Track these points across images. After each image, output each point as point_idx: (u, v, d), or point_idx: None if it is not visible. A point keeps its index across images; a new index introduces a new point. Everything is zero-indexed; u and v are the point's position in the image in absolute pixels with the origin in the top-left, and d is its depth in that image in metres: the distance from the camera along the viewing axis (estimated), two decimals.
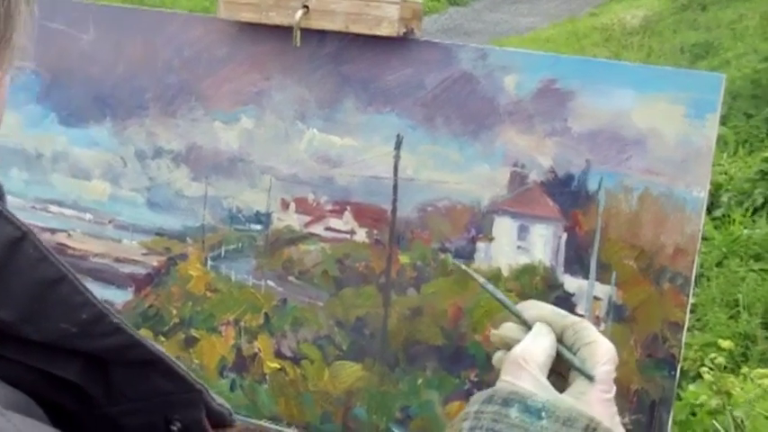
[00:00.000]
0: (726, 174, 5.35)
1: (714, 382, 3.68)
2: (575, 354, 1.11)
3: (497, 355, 1.11)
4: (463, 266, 1.23)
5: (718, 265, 4.74)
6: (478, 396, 1.06)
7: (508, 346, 1.11)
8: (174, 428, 0.85)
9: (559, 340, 1.12)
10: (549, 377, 1.10)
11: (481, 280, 1.11)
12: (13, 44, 0.82)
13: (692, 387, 3.81)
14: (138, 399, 0.83)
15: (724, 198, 5.18)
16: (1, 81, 0.83)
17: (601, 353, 1.09)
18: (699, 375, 3.83)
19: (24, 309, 0.73)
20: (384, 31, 1.38)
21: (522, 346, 1.10)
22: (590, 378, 1.08)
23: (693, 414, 3.74)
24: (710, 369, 3.77)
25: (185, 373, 0.84)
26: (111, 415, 0.83)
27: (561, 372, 1.12)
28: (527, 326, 1.11)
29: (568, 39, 8.89)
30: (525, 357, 1.08)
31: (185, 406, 0.86)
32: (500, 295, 1.09)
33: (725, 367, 3.83)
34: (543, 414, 1.01)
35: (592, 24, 9.33)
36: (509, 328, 1.15)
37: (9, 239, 0.72)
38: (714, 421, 3.60)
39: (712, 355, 3.80)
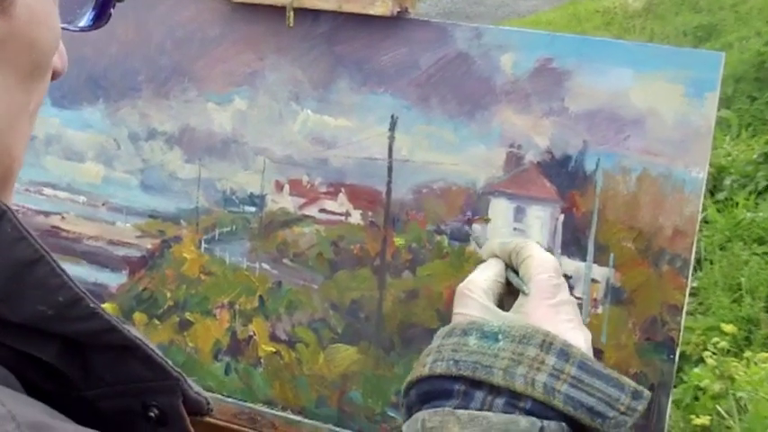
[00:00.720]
0: (729, 156, 5.32)
1: (717, 366, 3.68)
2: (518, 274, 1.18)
3: None
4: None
5: (721, 248, 4.73)
6: (440, 332, 1.13)
7: None
8: (152, 414, 0.84)
9: (509, 266, 1.21)
10: (511, 304, 1.17)
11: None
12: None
13: (695, 371, 3.81)
14: (115, 383, 0.82)
15: (727, 181, 5.15)
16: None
17: (534, 264, 1.16)
18: (702, 359, 3.82)
19: (1, 288, 0.72)
20: (378, 10, 1.36)
21: (467, 278, 1.19)
22: (524, 291, 1.15)
23: (696, 398, 3.73)
24: (713, 353, 3.77)
25: (163, 360, 0.83)
26: (89, 398, 0.82)
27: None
28: None
29: (570, 22, 8.85)
30: (469, 287, 1.16)
31: (163, 393, 0.84)
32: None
33: (728, 351, 3.83)
34: (500, 336, 1.06)
35: (593, 8, 9.29)
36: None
37: None
38: (717, 405, 3.60)
39: (715, 339, 3.80)
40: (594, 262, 1.29)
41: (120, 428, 0.81)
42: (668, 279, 1.26)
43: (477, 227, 1.34)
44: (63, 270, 0.74)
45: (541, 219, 1.31)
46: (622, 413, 1.02)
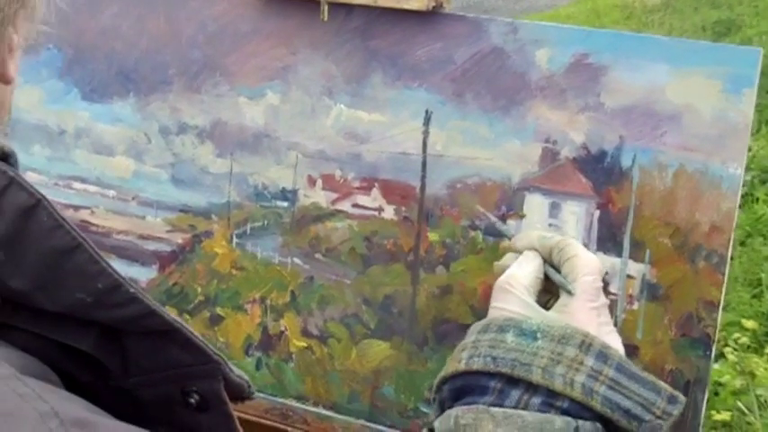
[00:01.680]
0: (750, 152, 5.30)
1: (738, 362, 3.67)
2: (559, 272, 1.17)
3: None
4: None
5: (742, 244, 4.71)
6: (475, 327, 1.12)
7: None
8: (192, 400, 0.84)
9: (548, 262, 1.19)
10: (546, 300, 1.18)
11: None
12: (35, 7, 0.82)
13: (715, 366, 3.80)
14: (154, 370, 0.82)
15: (747, 177, 5.13)
16: (15, 45, 0.82)
17: (581, 265, 1.15)
18: (723, 355, 3.81)
19: (38, 278, 0.72)
20: (413, 5, 1.35)
21: (507, 272, 1.17)
22: (569, 291, 1.14)
23: (716, 394, 3.72)
24: (734, 349, 3.75)
25: (203, 343, 0.83)
26: (127, 387, 0.82)
27: (556, 293, 1.17)
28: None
29: (589, 16, 8.82)
30: (510, 282, 1.15)
31: (203, 377, 0.84)
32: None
33: (748, 347, 3.81)
34: (538, 335, 1.06)
35: (612, 2, 9.25)
36: (508, 258, 1.24)
37: (23, 207, 0.71)
38: (738, 401, 3.59)
39: (736, 335, 3.79)
40: (630, 258, 1.29)
41: (159, 417, 0.80)
42: (704, 275, 1.26)
43: (511, 222, 1.34)
44: (101, 256, 0.74)
45: (577, 214, 1.31)
46: (658, 417, 1.02)
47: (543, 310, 1.13)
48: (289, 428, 1.48)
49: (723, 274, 1.25)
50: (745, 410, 3.53)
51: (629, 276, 1.29)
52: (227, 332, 1.51)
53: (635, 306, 1.28)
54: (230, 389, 0.87)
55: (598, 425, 1.01)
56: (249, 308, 1.49)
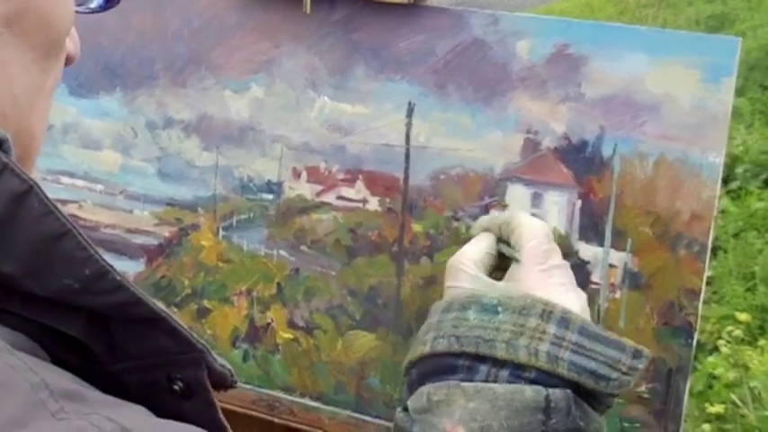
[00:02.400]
0: (742, 146, 5.31)
1: (731, 355, 3.69)
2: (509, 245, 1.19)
3: None
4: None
5: (735, 237, 4.72)
6: (437, 306, 1.14)
7: None
8: (176, 387, 0.84)
9: (501, 239, 1.22)
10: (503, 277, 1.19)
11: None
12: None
13: (709, 359, 3.81)
14: (140, 357, 0.82)
15: (740, 170, 5.14)
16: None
17: (525, 233, 1.17)
18: (716, 348, 3.82)
19: (27, 263, 0.72)
20: None
21: (458, 252, 1.20)
22: (515, 259, 1.16)
23: (710, 386, 3.73)
24: (728, 341, 3.77)
25: (188, 332, 0.84)
26: (114, 372, 0.83)
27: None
28: None
29: (582, 11, 8.83)
30: (460, 259, 1.18)
31: (187, 365, 0.85)
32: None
33: (742, 340, 3.82)
34: (499, 309, 1.07)
35: None
36: None
37: (15, 193, 0.71)
38: (731, 393, 3.60)
39: (729, 327, 3.81)
40: (612, 247, 1.30)
41: (144, 402, 0.81)
42: (686, 264, 1.27)
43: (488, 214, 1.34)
44: (89, 243, 0.74)
45: (559, 204, 1.32)
46: (624, 373, 1.04)
47: (493, 281, 1.15)
48: (275, 419, 1.48)
49: (704, 263, 1.26)
50: (739, 403, 3.55)
51: (610, 265, 1.30)
52: (214, 324, 1.52)
53: (617, 295, 1.29)
54: (214, 378, 0.88)
55: (568, 391, 1.03)
56: (236, 300, 1.50)
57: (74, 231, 0.74)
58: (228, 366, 0.90)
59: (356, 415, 1.44)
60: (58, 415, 0.64)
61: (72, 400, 0.66)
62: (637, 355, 1.05)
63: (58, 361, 0.77)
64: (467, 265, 1.17)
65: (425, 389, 1.06)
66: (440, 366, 1.08)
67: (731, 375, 3.66)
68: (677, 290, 1.27)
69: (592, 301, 1.30)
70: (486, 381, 1.04)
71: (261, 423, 1.50)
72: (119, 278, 0.76)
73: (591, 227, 1.30)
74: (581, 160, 1.30)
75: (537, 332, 1.05)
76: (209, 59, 1.50)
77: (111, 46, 1.56)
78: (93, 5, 0.93)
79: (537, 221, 1.20)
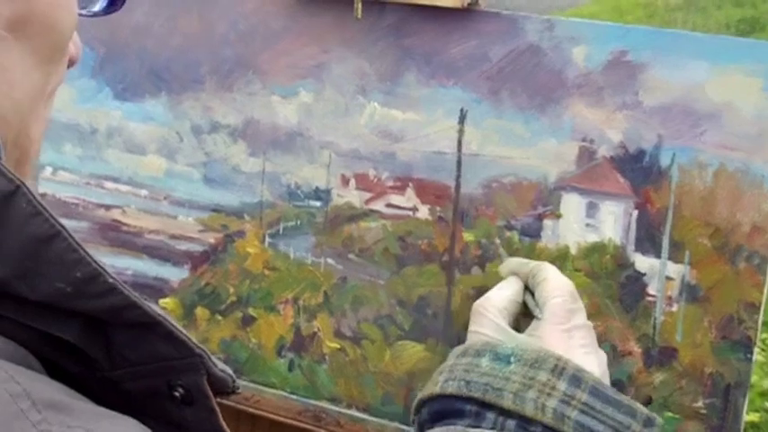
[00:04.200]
0: None
1: (766, 363, 3.65)
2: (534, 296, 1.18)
3: None
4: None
5: None
6: (455, 350, 1.14)
7: None
8: (177, 394, 0.83)
9: (528, 287, 1.21)
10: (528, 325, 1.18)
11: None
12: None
13: None
14: (139, 362, 0.80)
15: None
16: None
17: (549, 288, 1.16)
18: None
19: (17, 266, 0.70)
20: (447, 2, 1.34)
21: (484, 296, 1.20)
22: (536, 315, 1.16)
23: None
24: (762, 349, 3.73)
25: (185, 336, 0.81)
26: (114, 379, 0.81)
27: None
28: None
29: (611, 15, 8.79)
30: (485, 305, 1.18)
31: (186, 371, 0.83)
32: None
33: None
34: (512, 359, 1.07)
35: (635, 0, 9.23)
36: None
37: (2, 193, 0.69)
38: (767, 402, 3.57)
39: (764, 335, 3.77)
40: (669, 259, 1.27)
41: (145, 409, 0.79)
42: (746, 277, 1.24)
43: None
44: (80, 245, 0.72)
45: (615, 214, 1.29)
46: None
47: (515, 333, 1.15)
48: (322, 431, 1.47)
49: (765, 276, 1.23)
50: None
51: (667, 278, 1.27)
52: (259, 333, 1.50)
53: (674, 308, 1.27)
54: (215, 383, 0.86)
55: None
56: (282, 308, 1.48)
57: (64, 233, 0.72)
58: (229, 372, 0.88)
59: (404, 427, 1.42)
60: (39, 426, 0.62)
61: (57, 411, 0.64)
62: (648, 422, 1.05)
63: (57, 368, 0.76)
64: (491, 312, 1.17)
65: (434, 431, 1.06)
66: (449, 409, 1.08)
67: (766, 384, 3.63)
68: (736, 303, 1.24)
69: (647, 314, 1.28)
70: (492, 428, 1.04)
71: None
72: (111, 280, 0.74)
73: (648, 238, 1.28)
74: (638, 170, 1.28)
75: (547, 387, 1.04)
76: (256, 64, 1.48)
77: (157, 49, 1.55)
78: (96, 9, 0.91)
79: (564, 279, 1.19)
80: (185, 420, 0.83)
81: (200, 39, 1.52)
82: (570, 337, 1.12)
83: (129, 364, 0.81)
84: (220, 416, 0.87)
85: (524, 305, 1.21)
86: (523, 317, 1.20)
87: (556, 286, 1.16)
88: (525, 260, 1.26)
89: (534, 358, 1.05)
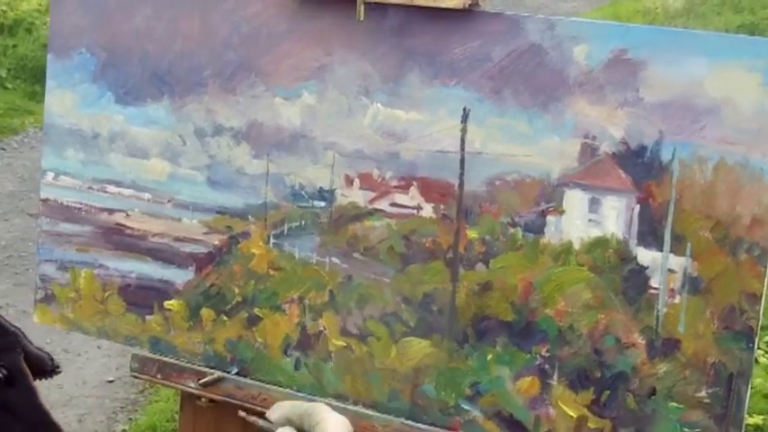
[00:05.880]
0: None
1: None
2: None
3: None
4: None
5: None
6: None
7: None
8: (0, 375, 0.83)
9: (301, 430, 1.12)
10: None
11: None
12: None
13: None
14: None
15: None
16: None
17: (328, 428, 1.10)
18: (754, 358, 3.78)
19: None
20: (449, 3, 1.35)
21: None
22: None
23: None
24: (765, 352, 3.73)
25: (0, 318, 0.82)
26: None
27: None
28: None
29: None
30: None
31: (4, 350, 0.83)
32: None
33: None
34: None
35: (634, 8, 9.25)
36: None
37: None
38: None
39: (767, 338, 3.77)
40: (671, 252, 1.29)
41: None
42: (746, 268, 1.26)
43: None
44: None
45: (617, 209, 1.31)
46: None
47: None
48: None
49: (765, 267, 1.25)
50: None
51: (670, 270, 1.29)
52: (265, 332, 1.51)
53: (677, 300, 1.28)
54: (34, 364, 0.87)
55: None
56: (287, 308, 1.50)
57: None
58: (46, 350, 0.89)
59: (410, 422, 1.43)
60: None
61: None
62: None
63: None
64: None
65: None
66: None
67: None
68: (738, 294, 1.26)
69: (650, 306, 1.29)
70: None
71: None
72: None
73: (650, 232, 1.29)
74: (639, 165, 1.29)
75: None
76: (258, 66, 1.50)
77: (159, 53, 1.56)
78: None
79: (339, 417, 1.11)
80: (9, 401, 0.84)
81: (203, 42, 1.53)
82: None
83: None
84: (40, 394, 0.87)
85: None
86: None
87: (333, 425, 1.10)
88: (298, 402, 1.15)
89: None
